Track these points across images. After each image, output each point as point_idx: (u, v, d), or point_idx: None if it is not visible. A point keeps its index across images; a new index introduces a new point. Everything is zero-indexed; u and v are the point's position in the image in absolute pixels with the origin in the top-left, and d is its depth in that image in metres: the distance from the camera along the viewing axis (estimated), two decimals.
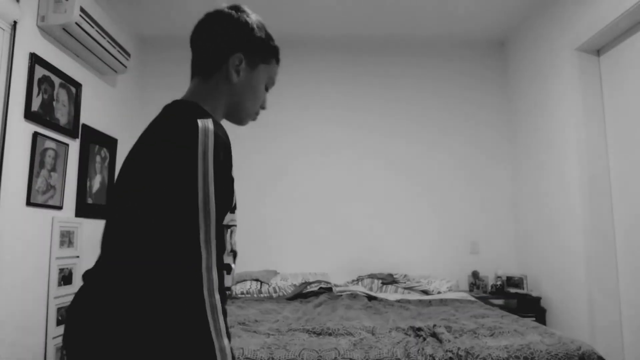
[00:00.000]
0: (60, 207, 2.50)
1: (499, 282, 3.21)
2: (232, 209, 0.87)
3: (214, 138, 0.76)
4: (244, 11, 0.95)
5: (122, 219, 0.78)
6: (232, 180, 0.84)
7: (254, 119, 1.01)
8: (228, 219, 0.84)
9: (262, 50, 0.95)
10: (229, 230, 0.85)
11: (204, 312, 0.71)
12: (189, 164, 0.73)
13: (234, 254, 0.90)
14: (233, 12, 0.93)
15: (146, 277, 0.74)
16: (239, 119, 0.99)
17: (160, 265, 0.73)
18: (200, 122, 0.78)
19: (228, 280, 0.86)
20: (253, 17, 0.96)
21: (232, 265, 0.89)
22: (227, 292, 0.85)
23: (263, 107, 1.02)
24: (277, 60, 1.00)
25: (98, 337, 0.74)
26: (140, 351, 0.72)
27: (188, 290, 0.71)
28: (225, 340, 0.72)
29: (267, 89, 1.00)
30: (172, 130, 0.79)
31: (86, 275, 0.83)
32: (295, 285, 3.07)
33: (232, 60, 0.91)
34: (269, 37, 0.97)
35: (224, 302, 0.76)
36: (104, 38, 2.70)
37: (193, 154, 0.74)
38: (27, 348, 2.22)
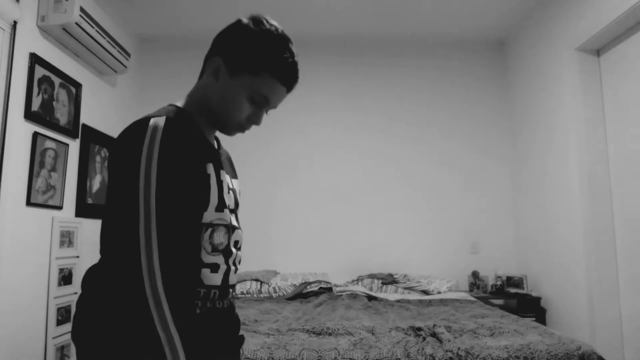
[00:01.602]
0: (60, 207, 2.51)
1: (499, 282, 3.21)
2: (219, 207, 0.86)
3: (161, 135, 0.76)
4: (257, 20, 0.89)
5: (102, 221, 0.83)
6: (197, 175, 0.82)
7: (240, 130, 0.94)
8: (212, 217, 0.84)
9: (247, 59, 0.87)
10: (209, 229, 0.84)
11: (146, 306, 0.70)
12: (133, 163, 0.74)
13: (225, 252, 0.89)
14: (244, 20, 0.90)
15: (101, 275, 0.78)
16: (220, 127, 0.94)
17: (111, 263, 0.76)
18: (152, 120, 0.79)
19: (214, 279, 0.86)
20: (264, 27, 0.88)
21: (222, 265, 0.88)
22: (213, 291, 0.86)
23: (254, 123, 0.93)
24: (276, 77, 0.88)
25: (78, 334, 0.78)
26: (97, 349, 0.74)
27: (131, 287, 0.72)
28: (174, 331, 0.71)
29: (254, 103, 0.90)
30: (124, 132, 0.81)
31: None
32: (295, 285, 3.07)
33: (209, 62, 0.91)
34: (270, 50, 0.86)
35: (180, 297, 0.76)
36: (104, 38, 2.70)
37: (137, 153, 0.75)
38: (27, 348, 2.22)
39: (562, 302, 2.85)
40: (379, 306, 2.59)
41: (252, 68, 0.86)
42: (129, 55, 3.04)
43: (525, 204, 3.37)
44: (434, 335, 1.81)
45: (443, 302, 2.72)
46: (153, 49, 3.69)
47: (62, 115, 2.53)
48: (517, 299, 3.06)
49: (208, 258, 0.84)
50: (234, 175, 1.06)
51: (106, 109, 3.10)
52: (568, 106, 2.77)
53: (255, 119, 0.92)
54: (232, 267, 0.91)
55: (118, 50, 2.89)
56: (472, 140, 3.62)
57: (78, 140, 2.72)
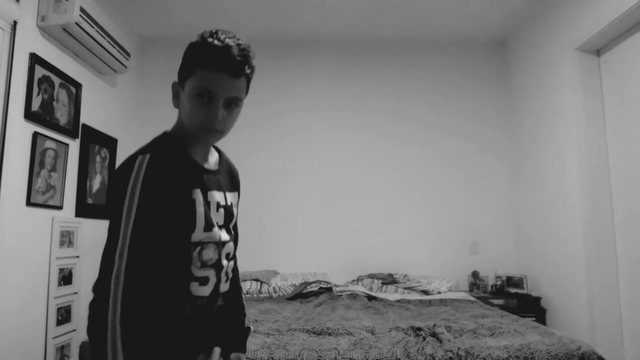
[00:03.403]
0: (60, 207, 2.50)
1: (499, 282, 3.21)
2: (207, 227, 0.94)
3: (144, 173, 0.86)
4: (201, 34, 0.92)
5: None
6: (182, 202, 0.90)
7: (210, 134, 0.93)
8: (201, 236, 0.93)
9: (186, 66, 0.92)
10: (198, 247, 0.93)
11: (105, 317, 0.79)
12: (121, 196, 0.85)
13: (217, 267, 0.97)
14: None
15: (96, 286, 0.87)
16: (196, 137, 0.96)
17: (99, 277, 0.85)
18: (139, 158, 0.88)
19: (202, 291, 0.95)
20: (203, 35, 0.91)
21: (213, 278, 0.97)
22: (200, 301, 0.95)
23: (214, 119, 0.90)
24: (206, 65, 0.88)
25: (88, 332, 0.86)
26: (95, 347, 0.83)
27: (102, 299, 0.81)
28: (120, 354, 0.78)
29: (200, 99, 0.90)
30: (118, 168, 0.91)
31: None
32: (295, 285, 3.07)
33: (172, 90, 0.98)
34: (197, 48, 0.90)
35: (144, 314, 0.84)
36: (104, 38, 2.70)
37: (124, 189, 0.85)
38: (27, 348, 2.22)
39: (562, 302, 2.85)
40: (379, 306, 2.59)
41: (189, 71, 0.91)
42: (129, 55, 3.04)
43: (525, 204, 3.37)
44: (434, 335, 1.81)
45: (443, 302, 2.72)
46: (153, 49, 3.69)
47: (62, 115, 2.53)
48: (517, 299, 3.06)
49: (198, 272, 0.94)
50: (231, 188, 1.10)
51: (106, 109, 3.10)
52: (568, 106, 2.77)
53: (212, 115, 0.90)
54: (223, 278, 1.01)
55: (118, 50, 2.89)
56: (472, 140, 3.62)
57: (78, 140, 2.72)
